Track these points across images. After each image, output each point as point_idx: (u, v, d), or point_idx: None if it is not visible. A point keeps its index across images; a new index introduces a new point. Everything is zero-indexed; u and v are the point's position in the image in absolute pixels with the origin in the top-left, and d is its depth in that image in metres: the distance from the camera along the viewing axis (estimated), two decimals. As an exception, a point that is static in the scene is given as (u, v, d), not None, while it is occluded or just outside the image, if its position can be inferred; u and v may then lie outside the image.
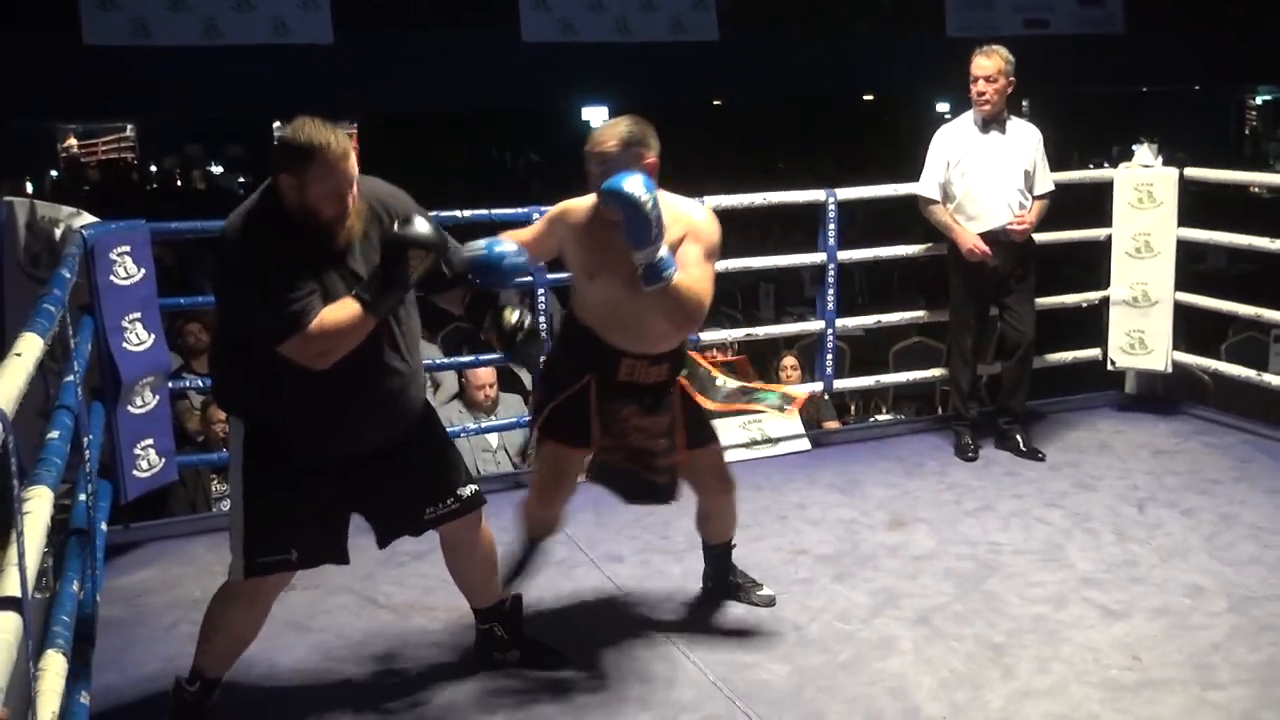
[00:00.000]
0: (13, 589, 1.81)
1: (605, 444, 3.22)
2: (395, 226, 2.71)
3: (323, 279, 2.66)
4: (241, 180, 20.08)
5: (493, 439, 5.53)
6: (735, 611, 3.59)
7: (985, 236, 4.78)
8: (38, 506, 2.04)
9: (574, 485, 3.37)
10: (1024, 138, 4.86)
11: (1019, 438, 4.97)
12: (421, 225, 2.70)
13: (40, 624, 2.33)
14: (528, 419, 5.05)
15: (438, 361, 6.13)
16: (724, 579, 3.66)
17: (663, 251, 2.92)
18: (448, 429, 5.16)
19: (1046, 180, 4.90)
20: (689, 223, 3.09)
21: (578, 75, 12.97)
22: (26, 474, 2.17)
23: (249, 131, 19.44)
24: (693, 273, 3.01)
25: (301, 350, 2.62)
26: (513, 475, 5.15)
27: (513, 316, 2.92)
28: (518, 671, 3.27)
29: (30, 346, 2.18)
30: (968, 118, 4.90)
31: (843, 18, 14.45)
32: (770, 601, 3.60)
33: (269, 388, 2.71)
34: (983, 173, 4.80)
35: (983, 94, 4.79)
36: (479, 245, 2.98)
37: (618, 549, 4.09)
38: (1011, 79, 4.84)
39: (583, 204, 3.17)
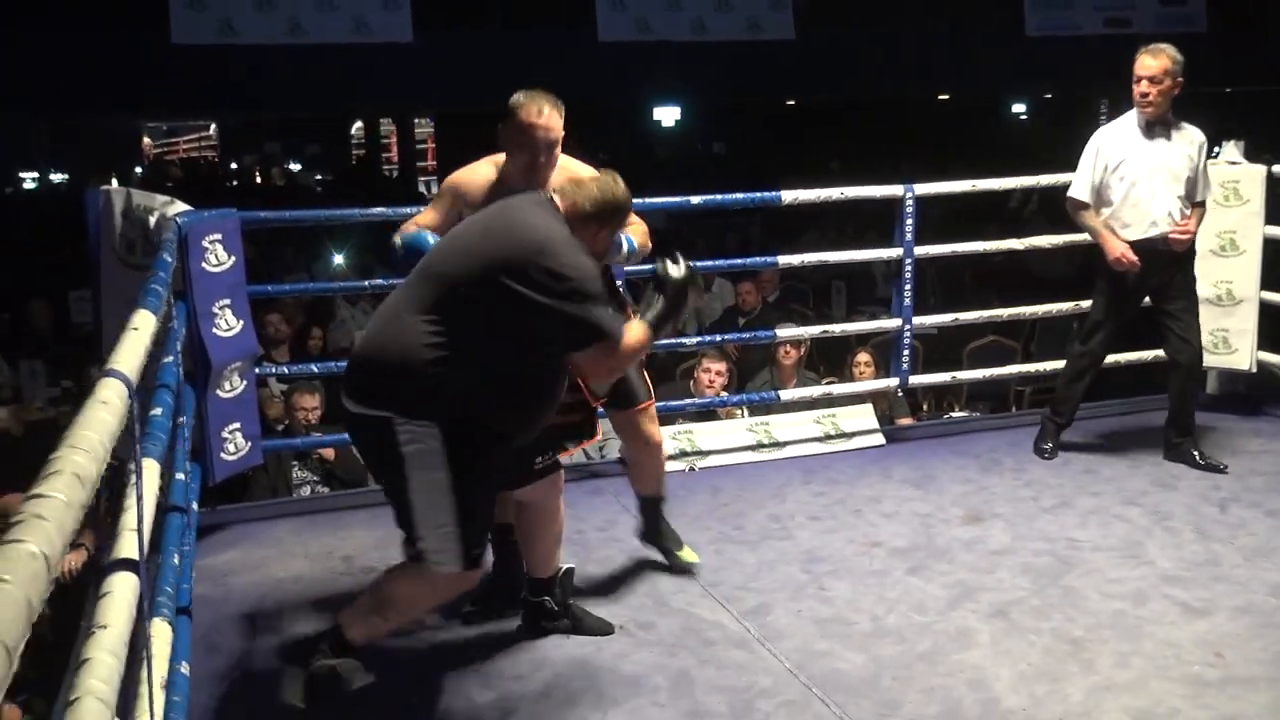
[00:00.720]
0: (131, 552, 1.88)
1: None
2: (680, 262, 2.98)
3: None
4: (319, 178, 20.43)
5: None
6: (810, 601, 3.60)
7: (1141, 245, 4.55)
8: (148, 478, 2.12)
9: None
10: (1188, 142, 4.62)
11: (1195, 452, 4.72)
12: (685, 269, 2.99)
13: (149, 591, 2.41)
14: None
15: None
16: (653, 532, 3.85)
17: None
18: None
19: (1208, 186, 4.72)
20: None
21: (652, 74, 13.02)
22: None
23: (326, 129, 19.79)
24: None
25: (605, 357, 2.85)
26: (587, 465, 5.20)
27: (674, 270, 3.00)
28: (575, 658, 3.31)
29: (145, 322, 2.26)
30: (1130, 119, 4.66)
31: (920, 17, 14.35)
32: (687, 569, 3.80)
33: (496, 400, 2.79)
34: (1143, 178, 4.56)
35: (1145, 95, 4.54)
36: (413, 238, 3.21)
37: (692, 538, 4.09)
38: (1179, 80, 4.60)
39: (476, 175, 3.36)
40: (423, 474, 2.74)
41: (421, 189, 18.69)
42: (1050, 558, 3.87)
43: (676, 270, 2.98)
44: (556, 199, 2.91)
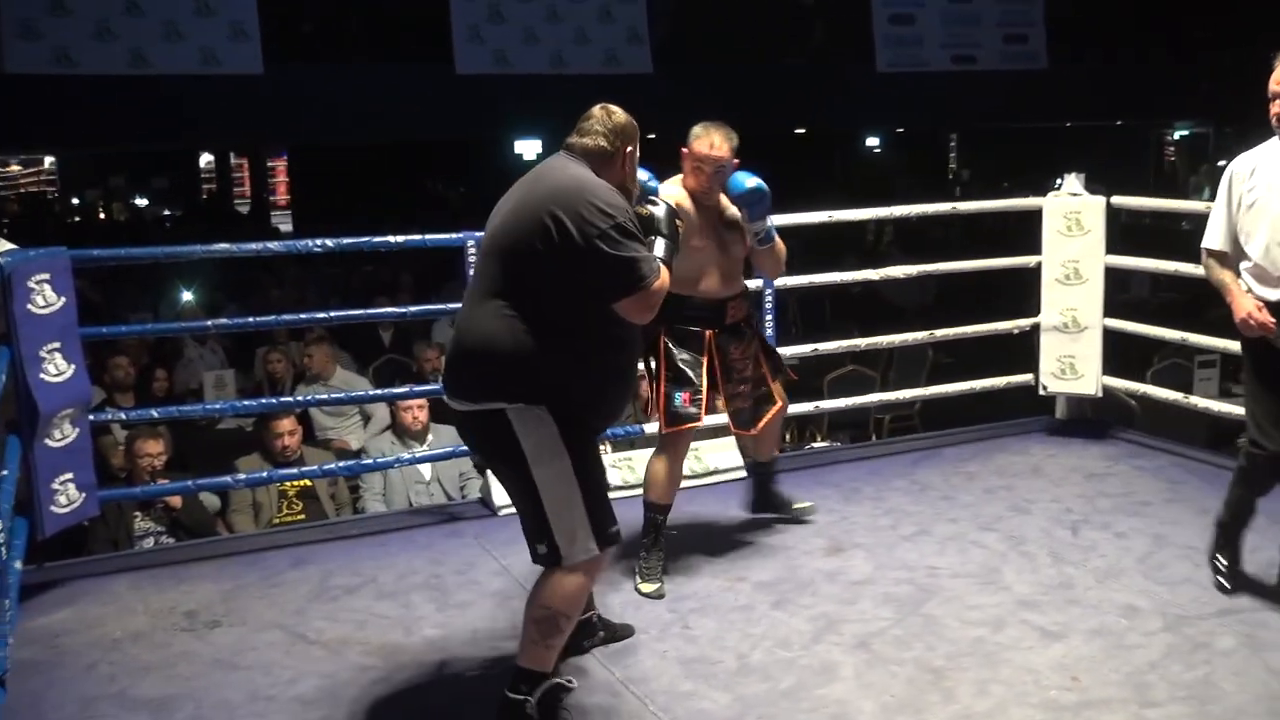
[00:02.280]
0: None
1: (729, 391, 4.05)
2: (660, 202, 3.16)
3: None
4: (167, 212, 19.77)
5: (425, 470, 5.45)
6: (675, 641, 3.55)
7: None
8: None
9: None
10: None
11: None
12: (667, 207, 3.17)
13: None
14: (462, 449, 5.00)
15: (367, 394, 6.05)
16: (769, 498, 4.50)
17: (771, 220, 3.94)
18: (380, 460, 5.12)
19: None
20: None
21: (511, 108, 12.96)
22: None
23: (175, 163, 19.16)
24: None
25: (645, 301, 2.87)
26: (447, 506, 5.07)
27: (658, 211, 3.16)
28: (449, 706, 3.19)
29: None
30: (1272, 145, 3.67)
31: (776, 51, 14.61)
32: (811, 510, 4.49)
33: (583, 364, 2.87)
34: None
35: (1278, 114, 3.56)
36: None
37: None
38: None
39: (678, 194, 3.83)
40: (546, 466, 2.83)
41: (276, 224, 18.25)
42: (911, 586, 3.89)
43: (660, 209, 3.11)
44: (575, 154, 3.01)
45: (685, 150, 3.88)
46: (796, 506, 4.51)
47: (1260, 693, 3.13)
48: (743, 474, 5.12)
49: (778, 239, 4.02)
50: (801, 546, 4.28)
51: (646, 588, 3.91)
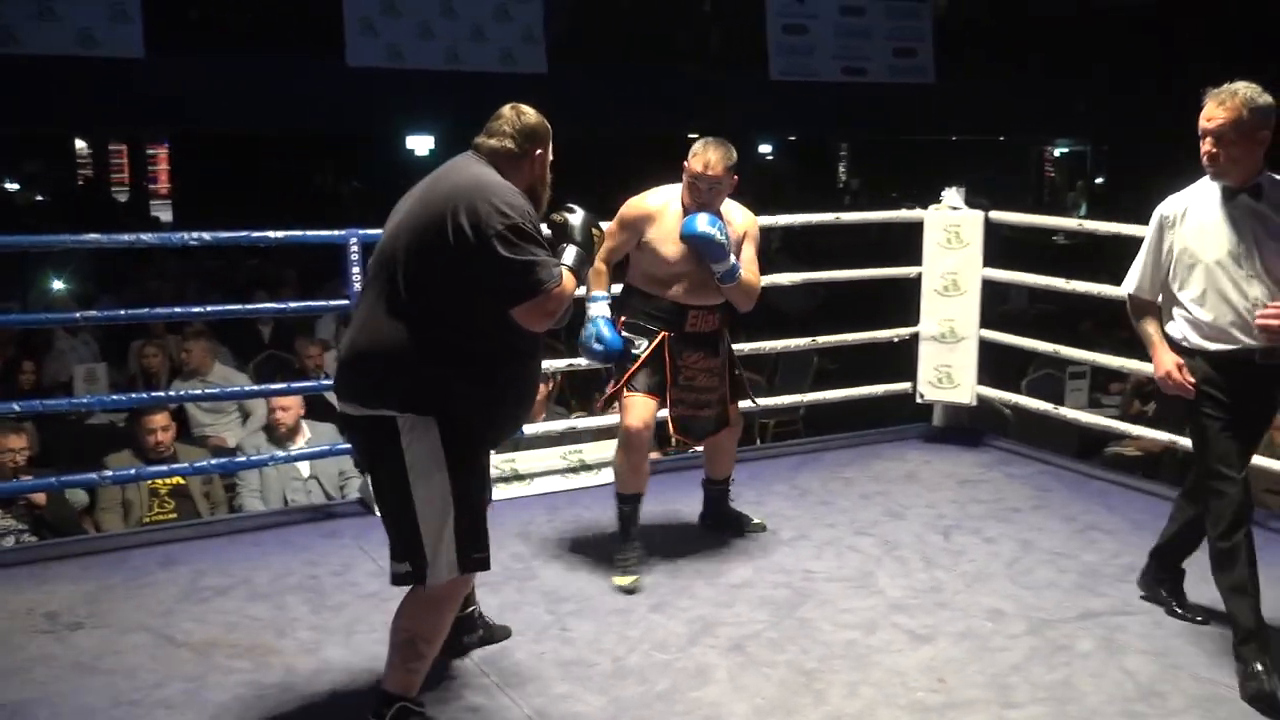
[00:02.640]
0: None
1: (676, 396, 4.07)
2: (578, 210, 3.08)
3: None
4: (40, 198, 19.05)
5: (304, 468, 5.34)
6: (552, 643, 3.54)
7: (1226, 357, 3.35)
8: None
9: (652, 432, 4.05)
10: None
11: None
12: (584, 214, 3.10)
13: None
14: (342, 446, 4.92)
15: (243, 389, 5.93)
16: (721, 514, 4.48)
17: (732, 261, 3.92)
18: (255, 457, 5.01)
19: None
20: (745, 228, 4.11)
21: (404, 103, 12.80)
22: None
23: (47, 147, 18.44)
24: (752, 269, 4.06)
25: (542, 308, 2.78)
26: (325, 506, 4.99)
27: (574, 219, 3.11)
28: (319, 709, 3.14)
29: None
30: (1203, 186, 3.47)
31: (672, 56, 14.70)
32: (762, 528, 4.46)
33: (478, 374, 2.79)
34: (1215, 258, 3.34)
35: (1210, 153, 3.36)
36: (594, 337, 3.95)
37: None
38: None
39: (658, 205, 4.03)
40: (424, 480, 2.76)
41: (155, 213, 17.73)
42: (787, 590, 3.95)
43: (576, 217, 3.06)
44: (481, 154, 2.96)
45: (685, 164, 3.97)
46: (752, 525, 4.50)
47: (1114, 694, 3.25)
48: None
49: (745, 275, 4.00)
50: (682, 549, 4.31)
51: (621, 581, 3.93)
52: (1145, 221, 5.29)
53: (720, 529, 4.47)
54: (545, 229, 2.96)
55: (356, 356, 2.84)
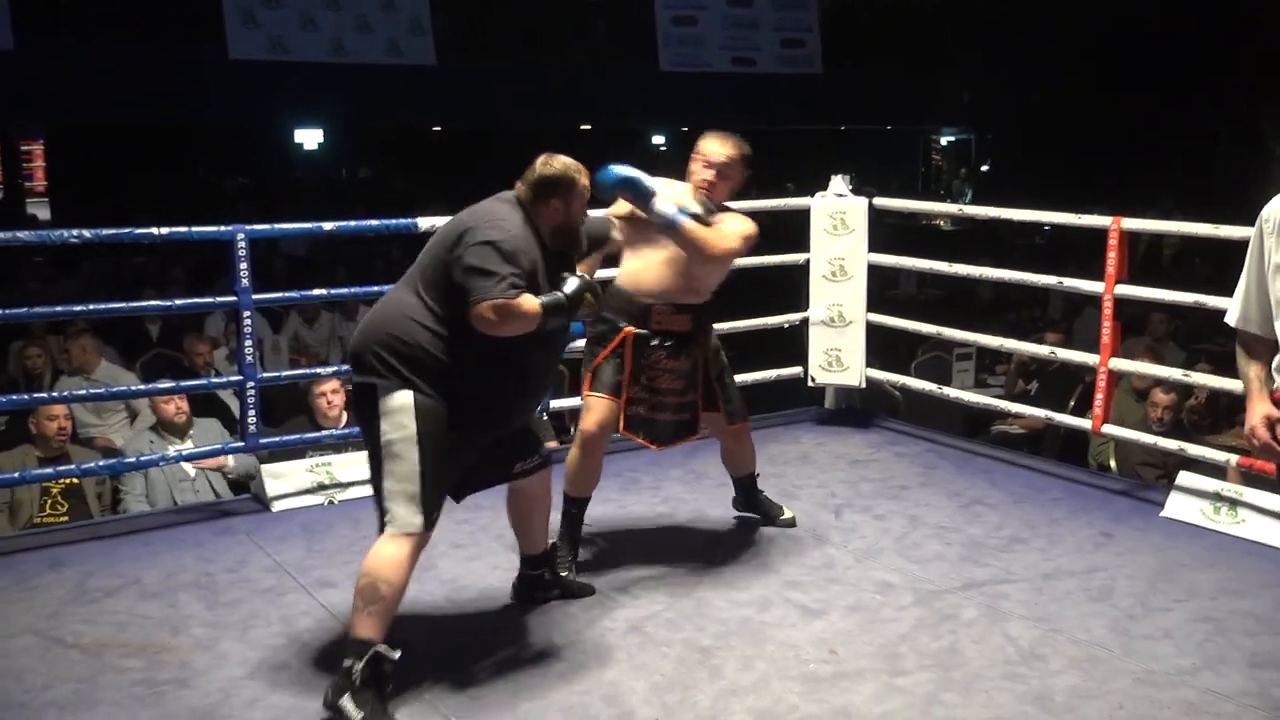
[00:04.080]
0: None
1: (634, 394, 3.97)
2: (582, 276, 3.31)
3: (546, 289, 3.21)
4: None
5: (190, 467, 5.25)
6: (454, 626, 3.56)
7: None
8: None
9: (610, 436, 4.02)
10: None
11: None
12: (585, 281, 3.30)
13: None
14: (233, 445, 4.86)
15: (130, 389, 5.82)
16: (750, 503, 4.49)
17: (667, 207, 3.78)
18: (143, 457, 4.91)
19: None
20: (734, 215, 4.04)
21: (289, 95, 12.60)
22: None
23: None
24: (721, 229, 3.92)
25: (487, 315, 3.06)
26: (218, 503, 4.92)
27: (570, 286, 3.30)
28: (214, 705, 3.11)
29: None
30: None
31: (561, 47, 14.71)
32: (792, 523, 4.43)
33: (459, 366, 3.14)
34: None
35: None
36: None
37: (330, 574, 3.97)
38: None
39: (677, 192, 3.97)
40: (395, 444, 3.10)
41: (33, 211, 17.15)
42: (684, 570, 4.02)
43: (573, 281, 3.26)
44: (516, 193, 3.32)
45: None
46: (781, 519, 4.46)
47: (997, 658, 3.38)
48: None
49: (690, 225, 3.82)
50: (581, 537, 4.34)
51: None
52: (1026, 206, 5.55)
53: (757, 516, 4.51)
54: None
55: (361, 330, 3.27)
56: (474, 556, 4.15)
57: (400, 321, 3.17)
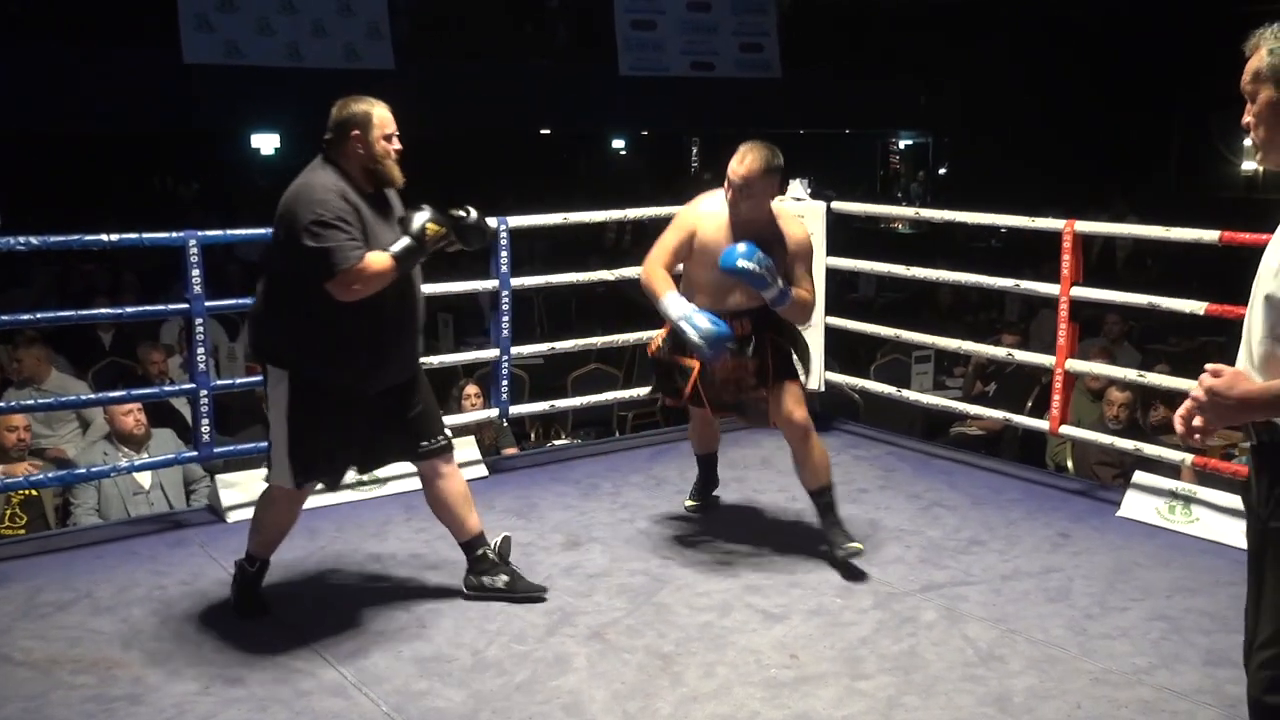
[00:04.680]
0: None
1: (709, 393, 4.14)
2: (424, 210, 3.50)
3: (377, 233, 3.44)
4: None
5: (144, 479, 5.17)
6: (411, 641, 3.53)
7: None
8: None
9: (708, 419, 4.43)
10: None
11: None
12: (428, 213, 3.49)
13: None
14: (187, 455, 4.80)
15: (83, 398, 5.73)
16: (824, 526, 4.18)
17: (777, 288, 3.93)
18: (95, 469, 4.82)
19: None
20: (794, 243, 4.08)
21: (245, 100, 12.47)
22: None
23: None
24: (805, 285, 4.07)
25: (345, 283, 3.34)
26: (171, 515, 4.85)
27: (458, 212, 3.60)
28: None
29: None
30: None
31: (520, 51, 14.66)
32: (856, 552, 4.05)
33: (310, 335, 3.45)
34: None
35: None
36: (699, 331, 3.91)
37: (286, 587, 3.92)
38: None
39: (705, 217, 4.10)
40: (274, 411, 3.55)
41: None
42: (645, 577, 4.01)
43: (418, 215, 3.48)
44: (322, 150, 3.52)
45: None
46: (844, 547, 4.04)
47: (957, 660, 3.39)
48: (482, 471, 5.13)
49: (798, 294, 4.00)
50: (540, 543, 4.33)
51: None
52: (981, 209, 5.58)
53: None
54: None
55: (248, 321, 3.81)
56: (432, 565, 4.11)
57: (264, 311, 3.58)
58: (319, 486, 3.79)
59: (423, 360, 5.41)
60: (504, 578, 3.80)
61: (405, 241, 3.44)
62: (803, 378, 4.27)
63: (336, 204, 3.37)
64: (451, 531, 3.81)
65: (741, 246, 3.87)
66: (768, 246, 3.93)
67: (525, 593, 3.80)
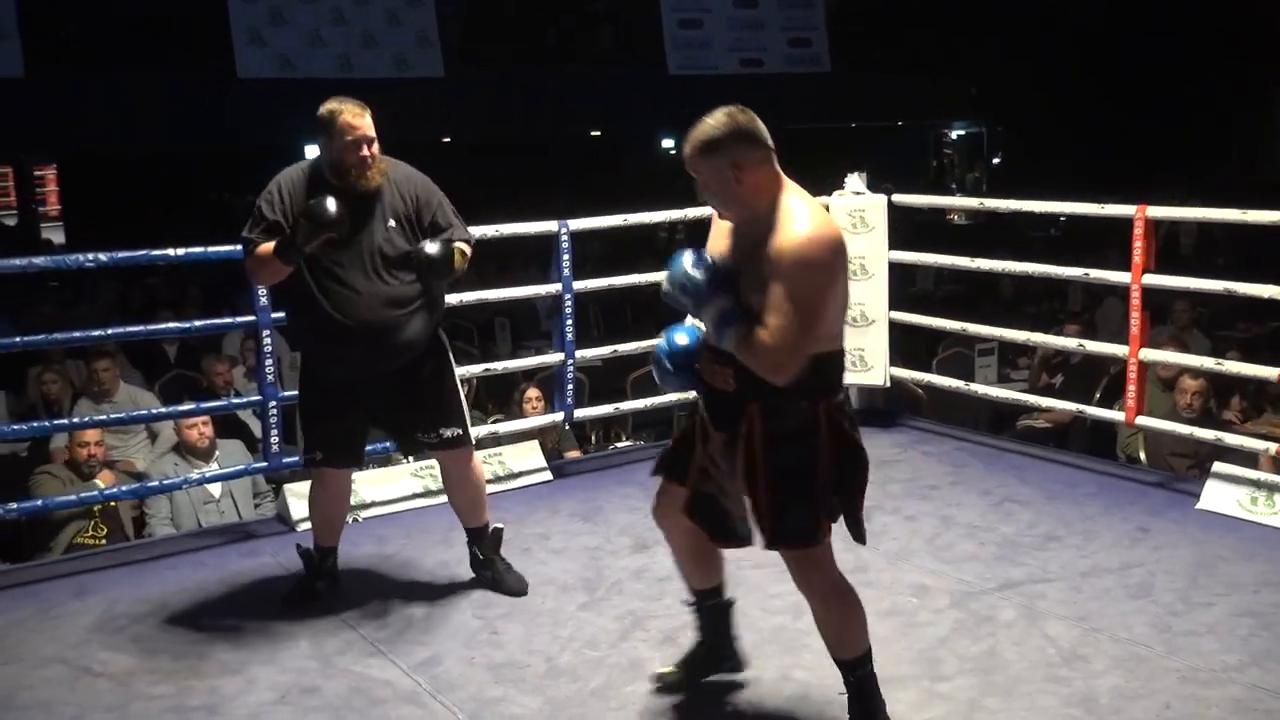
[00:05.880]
0: None
1: (700, 467, 2.96)
2: (311, 204, 3.46)
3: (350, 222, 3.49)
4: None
5: (214, 488, 5.23)
6: (483, 648, 3.52)
7: None
8: None
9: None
10: None
11: None
12: (327, 206, 3.42)
13: None
14: (256, 465, 4.83)
15: (151, 411, 5.79)
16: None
17: (713, 311, 2.74)
18: (166, 481, 4.86)
19: None
20: (774, 254, 2.66)
21: (297, 113, 12.58)
22: None
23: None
24: (771, 319, 2.64)
25: (246, 268, 3.62)
26: (242, 525, 4.89)
27: (431, 249, 3.56)
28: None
29: None
30: None
31: (568, 55, 14.68)
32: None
33: (294, 320, 3.79)
34: None
35: None
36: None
37: (357, 594, 3.93)
38: None
39: (717, 220, 2.96)
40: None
41: (47, 236, 17.19)
42: (715, 579, 3.96)
43: (318, 201, 3.43)
44: None
45: None
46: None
47: (1038, 660, 3.32)
48: (547, 476, 5.12)
49: (741, 333, 2.70)
50: (607, 546, 4.31)
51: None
52: (1038, 197, 5.47)
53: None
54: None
55: None
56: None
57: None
58: (356, 469, 4.03)
59: (486, 365, 5.43)
60: (487, 573, 3.94)
61: (302, 226, 3.45)
62: (817, 505, 2.81)
63: (271, 190, 3.57)
64: (459, 518, 3.98)
65: (687, 256, 2.80)
66: (751, 257, 2.73)
67: (508, 590, 3.89)
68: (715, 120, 2.79)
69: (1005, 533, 4.31)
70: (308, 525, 4.51)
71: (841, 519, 2.87)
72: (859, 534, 2.92)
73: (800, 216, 2.71)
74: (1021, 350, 7.72)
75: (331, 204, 3.43)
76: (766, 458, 2.77)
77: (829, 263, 2.69)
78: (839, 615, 2.90)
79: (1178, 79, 15.72)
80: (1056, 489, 4.78)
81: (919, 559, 4.09)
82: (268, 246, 3.50)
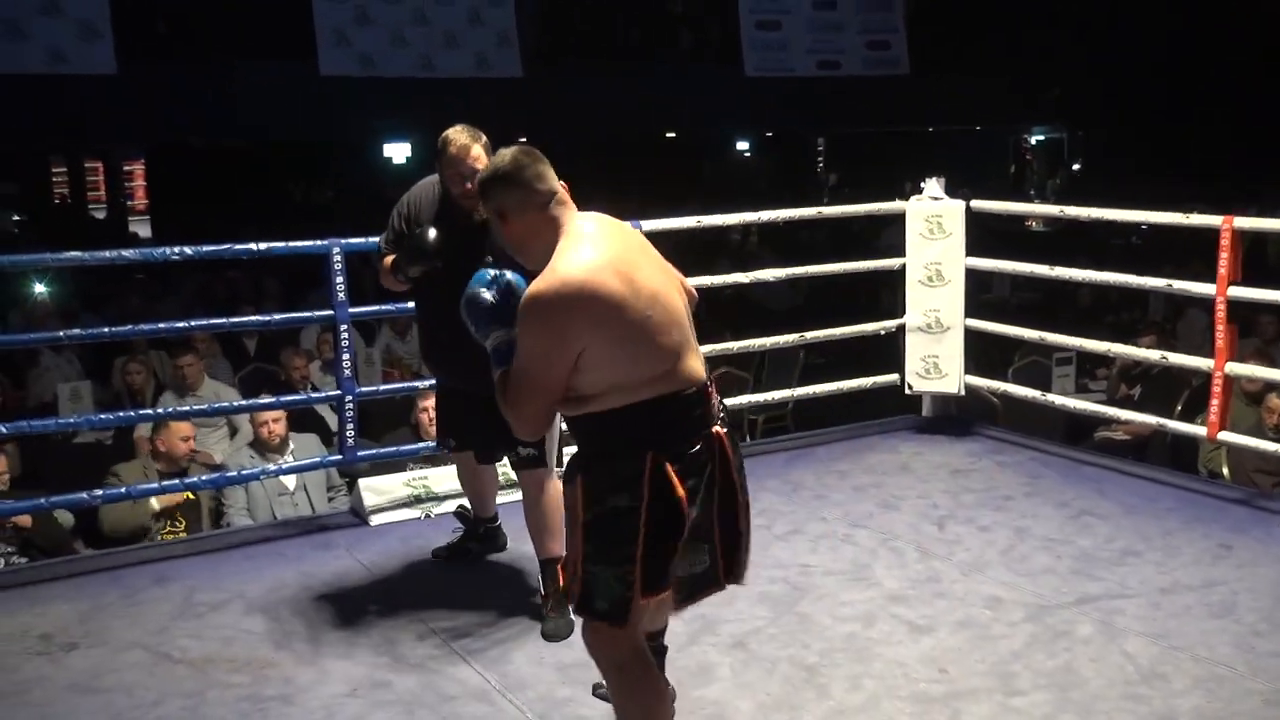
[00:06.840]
0: None
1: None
2: (414, 230, 3.65)
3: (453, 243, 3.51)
4: (16, 218, 18.93)
5: (289, 481, 5.31)
6: (552, 647, 3.53)
7: None
8: None
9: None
10: None
11: None
12: (427, 238, 3.55)
13: None
14: (331, 458, 4.90)
15: (233, 405, 5.90)
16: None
17: (493, 346, 2.62)
18: (240, 473, 4.95)
19: None
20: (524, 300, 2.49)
21: (379, 111, 12.77)
22: None
23: (23, 167, 18.27)
24: (511, 373, 2.55)
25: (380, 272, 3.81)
26: (317, 518, 4.96)
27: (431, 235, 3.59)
28: (325, 722, 3.12)
29: None
30: None
31: (645, 55, 14.71)
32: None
33: (418, 322, 4.05)
34: None
35: None
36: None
37: (429, 589, 3.97)
38: None
39: None
40: None
41: (134, 229, 17.62)
42: (785, 585, 3.94)
43: (410, 249, 3.62)
44: None
45: None
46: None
47: (1116, 678, 3.25)
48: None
49: (500, 383, 2.62)
50: (677, 548, 4.30)
51: None
52: (1118, 205, 5.36)
53: None
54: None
55: None
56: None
57: None
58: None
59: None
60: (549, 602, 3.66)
61: (407, 247, 3.63)
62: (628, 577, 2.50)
63: (403, 200, 3.73)
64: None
65: (489, 274, 2.68)
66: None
67: (543, 634, 3.59)
68: (488, 163, 2.72)
69: (1082, 546, 4.24)
70: (380, 519, 4.60)
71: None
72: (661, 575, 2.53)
73: (553, 263, 2.49)
74: (1100, 360, 7.58)
75: (431, 235, 3.53)
76: (584, 513, 2.52)
77: (554, 313, 2.41)
78: (621, 692, 2.64)
79: (1259, 84, 15.33)
80: (1135, 503, 4.69)
81: (993, 570, 4.03)
82: (389, 260, 3.69)
